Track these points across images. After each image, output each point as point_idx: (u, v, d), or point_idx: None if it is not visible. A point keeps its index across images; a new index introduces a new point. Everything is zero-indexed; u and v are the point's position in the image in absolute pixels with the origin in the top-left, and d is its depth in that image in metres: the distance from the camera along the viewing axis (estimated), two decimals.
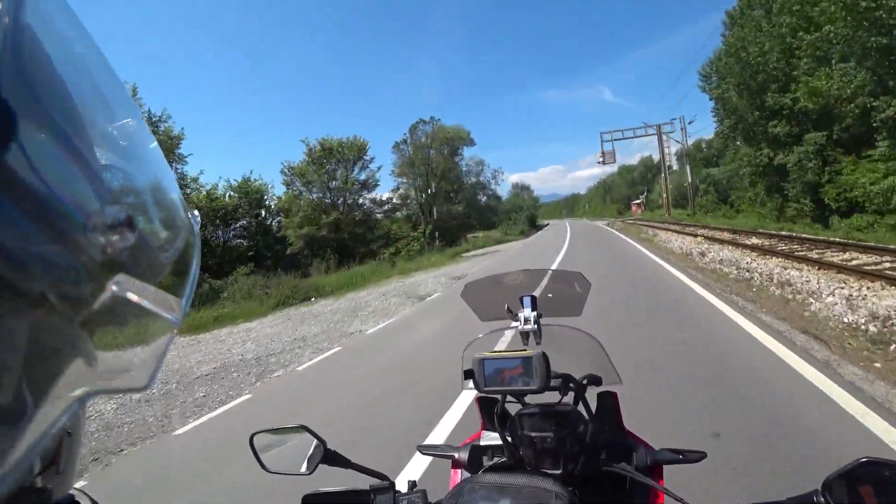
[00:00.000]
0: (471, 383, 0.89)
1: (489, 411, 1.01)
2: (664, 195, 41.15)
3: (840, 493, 0.65)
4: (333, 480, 0.86)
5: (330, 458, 0.91)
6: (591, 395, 0.99)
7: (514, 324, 1.05)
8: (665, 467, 0.93)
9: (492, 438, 1.01)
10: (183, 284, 0.34)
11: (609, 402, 1.01)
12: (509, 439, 0.93)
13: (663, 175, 39.29)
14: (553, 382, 0.91)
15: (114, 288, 0.25)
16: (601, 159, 40.10)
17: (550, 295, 1.18)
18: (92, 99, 0.27)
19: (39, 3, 0.23)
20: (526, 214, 56.28)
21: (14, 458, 0.20)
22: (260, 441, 0.93)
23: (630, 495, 0.89)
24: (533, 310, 1.04)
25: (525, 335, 1.02)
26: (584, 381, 0.97)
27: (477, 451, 1.01)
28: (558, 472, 0.87)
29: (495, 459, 0.99)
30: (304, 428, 0.93)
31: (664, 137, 39.43)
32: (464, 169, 41.01)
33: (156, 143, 0.35)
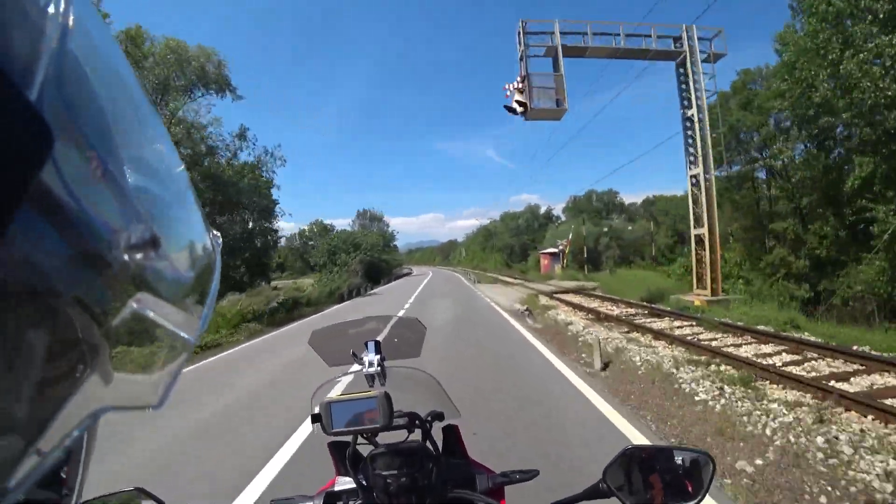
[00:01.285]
0: (319, 427, 0.92)
1: (341, 455, 1.05)
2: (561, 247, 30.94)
3: (615, 478, 0.79)
4: None
5: None
6: (437, 430, 1.10)
7: (359, 368, 1.10)
8: (507, 487, 1.05)
9: (346, 483, 1.04)
10: (202, 304, 0.36)
11: (452, 434, 1.13)
12: (363, 482, 0.98)
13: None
14: (399, 421, 1.01)
15: (135, 305, 0.26)
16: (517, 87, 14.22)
17: (395, 339, 1.27)
18: (125, 122, 0.28)
19: (84, 31, 0.24)
20: (361, 257, 35.44)
21: (25, 469, 0.20)
22: None
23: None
24: (377, 353, 1.10)
25: (370, 378, 1.07)
26: (429, 418, 1.07)
27: (332, 498, 1.04)
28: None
29: None
30: (142, 490, 0.87)
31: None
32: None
33: (183, 166, 0.36)
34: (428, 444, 1.03)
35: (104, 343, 0.24)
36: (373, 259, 38.08)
